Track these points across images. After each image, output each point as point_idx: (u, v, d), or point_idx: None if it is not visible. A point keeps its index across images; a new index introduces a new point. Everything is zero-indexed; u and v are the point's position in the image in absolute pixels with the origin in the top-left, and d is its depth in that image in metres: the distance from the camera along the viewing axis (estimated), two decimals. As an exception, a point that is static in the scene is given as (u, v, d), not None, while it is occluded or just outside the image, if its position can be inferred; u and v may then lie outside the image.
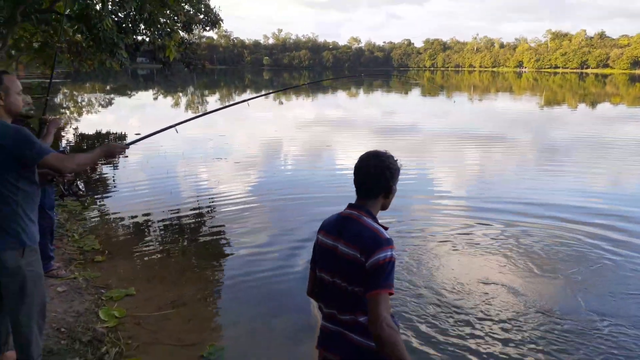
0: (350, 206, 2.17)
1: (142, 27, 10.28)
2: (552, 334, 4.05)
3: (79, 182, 4.51)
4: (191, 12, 11.66)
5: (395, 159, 2.19)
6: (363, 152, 2.17)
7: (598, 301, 4.66)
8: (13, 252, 2.80)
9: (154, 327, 4.04)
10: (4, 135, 2.69)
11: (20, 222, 2.81)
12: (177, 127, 3.72)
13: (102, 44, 8.77)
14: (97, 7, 9.10)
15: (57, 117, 4.21)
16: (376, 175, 2.11)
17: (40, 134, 4.13)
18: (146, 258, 5.53)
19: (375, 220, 2.11)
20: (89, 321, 4.02)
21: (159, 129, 3.79)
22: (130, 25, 10.03)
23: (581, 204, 7.87)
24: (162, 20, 10.34)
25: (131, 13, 9.96)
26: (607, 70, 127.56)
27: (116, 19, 10.30)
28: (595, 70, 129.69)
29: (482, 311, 4.43)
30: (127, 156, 11.88)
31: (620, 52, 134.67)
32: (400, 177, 2.18)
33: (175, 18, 11.50)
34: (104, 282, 4.80)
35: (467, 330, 4.11)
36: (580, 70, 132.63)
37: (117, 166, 10.76)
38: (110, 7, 9.69)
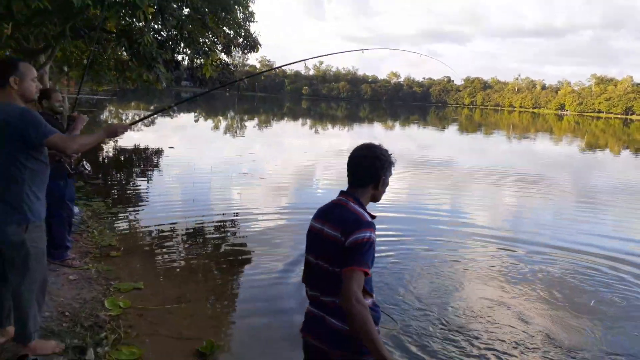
0: (341, 193, 2.25)
1: (182, 45, 10.68)
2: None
3: (84, 162, 4.67)
4: (231, 35, 12.04)
5: (388, 152, 2.23)
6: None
7: (613, 336, 4.43)
8: (17, 227, 2.91)
9: (155, 319, 4.08)
10: (13, 116, 2.84)
11: (26, 199, 2.93)
12: (175, 106, 3.91)
13: (141, 59, 9.15)
14: (140, 24, 9.54)
15: (84, 114, 4.41)
16: (366, 165, 2.18)
17: (68, 129, 4.34)
18: (159, 257, 5.63)
19: (363, 208, 2.17)
20: (93, 308, 4.09)
21: (157, 110, 3.94)
22: (170, 43, 10.44)
23: (614, 242, 7.58)
24: (201, 40, 10.73)
25: (172, 32, 10.39)
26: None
27: (158, 37, 10.76)
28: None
29: (486, 334, 4.28)
30: (158, 167, 12.26)
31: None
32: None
33: (215, 40, 11.91)
34: (115, 275, 4.89)
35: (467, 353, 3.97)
36: (625, 116, 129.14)
37: (145, 175, 11.06)
38: (152, 24, 10.13)
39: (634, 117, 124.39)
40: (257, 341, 3.96)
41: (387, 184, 2.26)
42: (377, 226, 2.12)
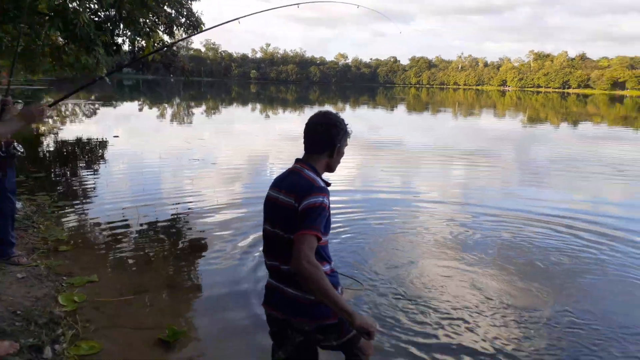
0: (296, 161, 2.27)
1: (121, 26, 10.23)
2: (512, 326, 4.06)
3: (16, 144, 4.40)
4: (172, 15, 11.63)
5: (345, 121, 2.25)
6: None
7: (563, 294, 4.68)
8: None
9: (113, 311, 3.97)
10: None
11: None
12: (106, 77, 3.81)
13: (78, 41, 8.67)
14: (75, 4, 9.04)
15: (8, 98, 4.21)
16: (322, 132, 2.21)
17: (2, 116, 4.13)
18: (112, 248, 5.45)
19: (317, 174, 2.19)
20: (47, 305, 3.93)
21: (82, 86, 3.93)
22: (108, 24, 9.97)
23: (559, 205, 7.97)
24: (141, 20, 10.31)
25: (110, 12, 9.93)
26: (588, 91, 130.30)
27: (96, 18, 10.25)
28: (576, 90, 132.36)
29: (442, 300, 4.43)
30: (104, 158, 11.84)
31: (600, 73, 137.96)
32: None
33: (156, 20, 11.47)
34: (67, 270, 4.70)
35: (426, 324, 4.11)
36: (562, 90, 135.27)
37: (91, 166, 10.66)
38: (88, 5, 9.62)
39: (570, 91, 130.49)
40: (220, 324, 3.93)
41: (342, 154, 2.30)
42: (332, 201, 2.15)
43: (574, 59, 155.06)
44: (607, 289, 4.89)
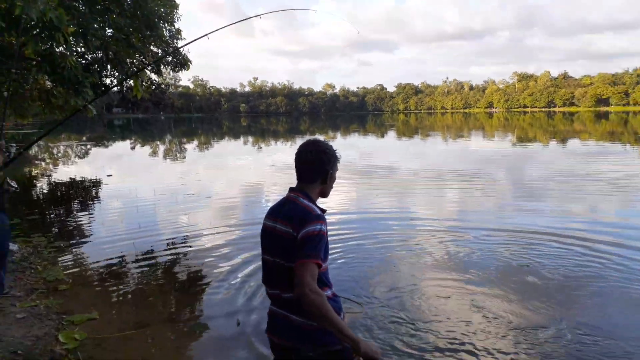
0: (290, 190, 2.30)
1: (109, 67, 10.38)
2: (515, 346, 4.07)
3: (9, 180, 4.36)
4: (159, 54, 11.79)
5: (333, 147, 2.32)
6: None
7: (568, 309, 4.67)
8: None
9: (115, 347, 3.96)
10: None
11: None
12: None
13: (66, 84, 8.77)
14: (61, 48, 9.16)
15: (2, 142, 4.31)
16: (313, 160, 2.25)
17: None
18: (111, 285, 5.44)
19: (312, 202, 2.24)
20: (47, 344, 3.92)
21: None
22: (96, 66, 10.12)
23: (552, 221, 8.01)
24: (128, 60, 10.47)
25: (97, 54, 10.09)
26: (573, 109, 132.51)
27: (83, 61, 10.40)
28: (562, 109, 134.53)
29: (445, 321, 4.44)
30: (98, 197, 11.83)
31: (584, 91, 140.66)
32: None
33: (143, 60, 11.64)
34: (67, 308, 4.70)
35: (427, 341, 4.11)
36: (548, 109, 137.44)
37: (86, 205, 10.65)
38: (75, 48, 9.77)
39: (556, 110, 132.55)
40: (223, 354, 3.92)
41: (334, 179, 2.35)
42: (328, 227, 2.20)
43: (556, 78, 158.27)
44: (609, 301, 4.86)
